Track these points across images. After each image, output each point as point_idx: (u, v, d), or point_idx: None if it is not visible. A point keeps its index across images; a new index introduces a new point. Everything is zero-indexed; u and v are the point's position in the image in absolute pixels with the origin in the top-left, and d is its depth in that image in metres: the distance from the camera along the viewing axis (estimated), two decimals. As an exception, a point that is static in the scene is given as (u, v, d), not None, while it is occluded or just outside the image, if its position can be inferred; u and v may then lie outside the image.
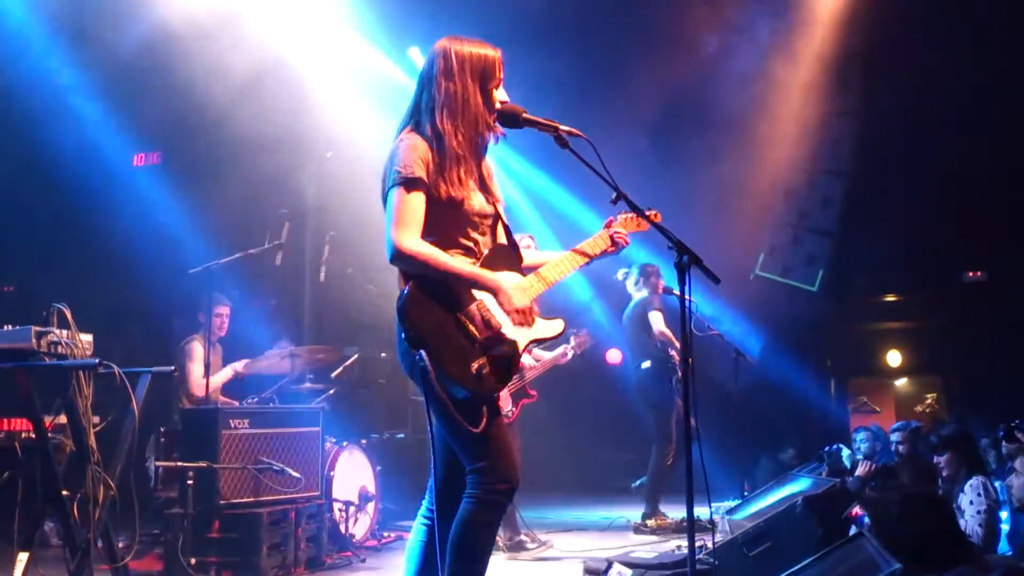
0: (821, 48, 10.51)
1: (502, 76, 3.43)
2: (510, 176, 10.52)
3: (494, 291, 3.29)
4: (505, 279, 3.35)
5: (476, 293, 3.30)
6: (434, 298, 3.23)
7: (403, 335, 3.16)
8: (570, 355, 6.74)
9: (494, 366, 3.25)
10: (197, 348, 7.22)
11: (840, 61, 10.48)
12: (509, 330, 3.32)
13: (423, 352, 3.11)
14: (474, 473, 3.23)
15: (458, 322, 3.24)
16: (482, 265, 3.35)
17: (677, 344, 7.67)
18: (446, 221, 3.31)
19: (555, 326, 3.49)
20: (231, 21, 8.78)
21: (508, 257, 3.46)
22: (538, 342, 3.51)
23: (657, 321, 7.70)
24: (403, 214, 3.21)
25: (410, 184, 3.22)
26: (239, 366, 7.16)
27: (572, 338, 6.72)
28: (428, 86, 3.37)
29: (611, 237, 3.70)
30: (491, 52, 3.40)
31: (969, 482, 5.29)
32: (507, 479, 3.25)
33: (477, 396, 3.20)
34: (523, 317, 3.31)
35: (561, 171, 10.02)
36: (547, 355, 6.69)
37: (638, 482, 7.93)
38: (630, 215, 3.75)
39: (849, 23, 10.26)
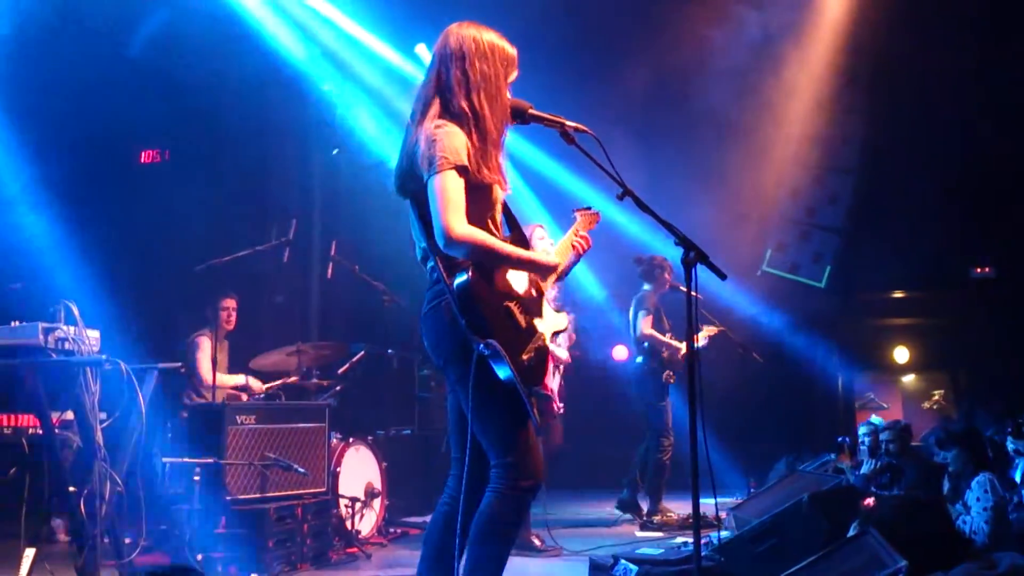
0: (830, 46, 10.48)
1: (517, 74, 3.43)
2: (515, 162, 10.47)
3: (554, 269, 3.40)
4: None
5: (512, 284, 3.33)
6: (490, 286, 3.23)
7: (463, 322, 3.13)
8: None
9: (538, 357, 3.28)
10: (205, 342, 7.24)
11: (849, 58, 10.45)
12: (540, 323, 3.38)
13: (492, 340, 3.10)
14: (501, 467, 3.23)
15: (508, 311, 3.25)
16: None
17: (667, 344, 7.72)
18: (478, 208, 3.27)
19: (563, 319, 3.55)
20: (239, 18, 8.81)
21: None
22: (556, 333, 3.56)
23: (642, 324, 7.70)
24: (454, 200, 3.15)
25: (459, 171, 3.18)
26: (255, 385, 7.17)
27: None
28: (455, 64, 3.30)
29: (572, 246, 3.74)
30: (511, 49, 3.40)
31: (976, 479, 5.28)
32: (534, 475, 3.26)
33: (528, 387, 3.20)
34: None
35: (571, 157, 10.00)
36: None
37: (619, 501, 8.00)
38: (585, 212, 3.87)
39: (858, 20, 10.24)
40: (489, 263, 3.24)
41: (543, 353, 3.33)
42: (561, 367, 6.55)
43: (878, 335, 11.91)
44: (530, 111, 3.38)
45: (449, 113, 3.28)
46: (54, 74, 8.24)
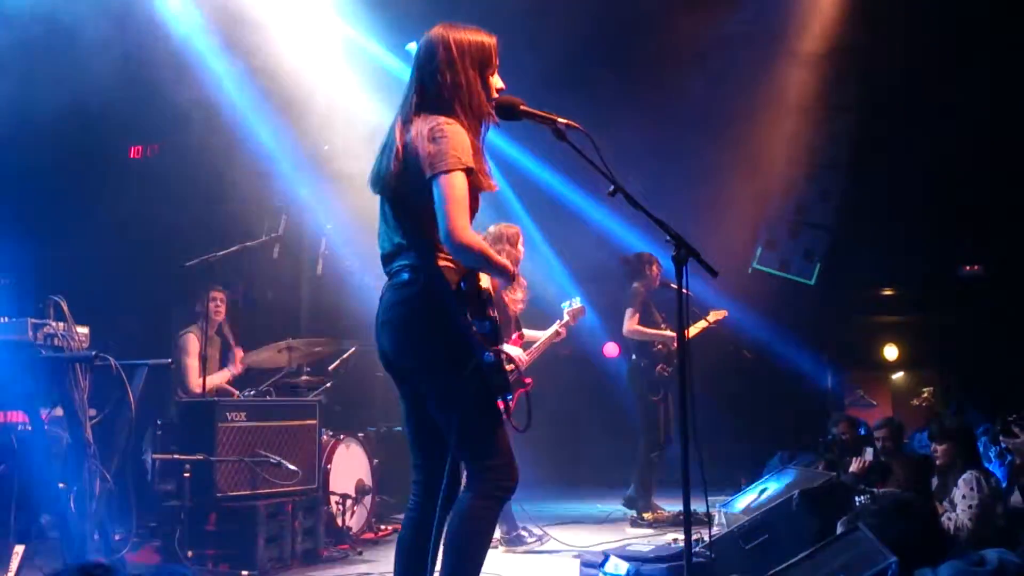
0: (819, 41, 10.49)
1: (498, 63, 3.41)
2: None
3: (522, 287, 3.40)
4: None
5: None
6: (484, 294, 3.29)
7: (469, 327, 3.18)
8: (563, 332, 6.50)
9: (516, 369, 3.37)
10: (192, 341, 7.22)
11: (838, 55, 10.47)
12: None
13: (500, 348, 3.21)
14: (484, 469, 3.23)
15: (495, 323, 3.31)
16: None
17: (657, 335, 7.72)
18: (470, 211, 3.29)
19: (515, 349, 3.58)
20: (230, 14, 8.77)
21: None
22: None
23: (628, 321, 7.71)
24: (463, 203, 3.12)
25: (468, 173, 3.16)
26: (235, 369, 7.16)
27: (565, 312, 6.49)
28: (432, 76, 3.29)
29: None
30: (487, 39, 3.37)
31: (963, 476, 5.30)
32: (513, 476, 3.27)
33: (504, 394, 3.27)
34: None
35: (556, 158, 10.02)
36: (541, 335, 6.46)
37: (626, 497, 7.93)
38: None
39: (847, 16, 10.25)
40: (480, 270, 3.26)
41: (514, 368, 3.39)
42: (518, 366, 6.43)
43: (867, 332, 11.95)
44: (521, 107, 3.37)
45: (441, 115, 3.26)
46: (43, 66, 8.20)
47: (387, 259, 3.37)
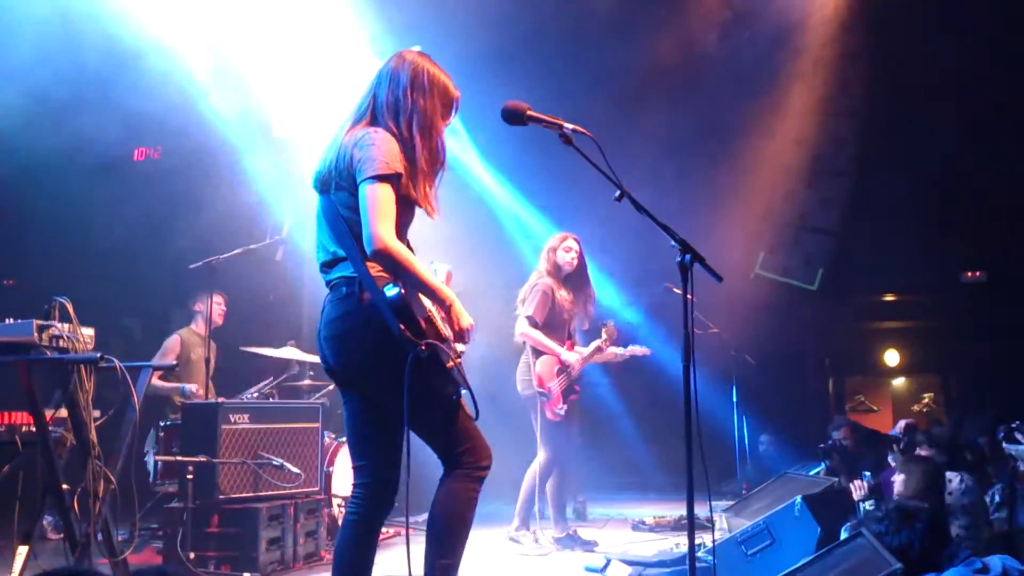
0: (823, 48, 10.51)
1: (454, 117, 3.50)
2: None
3: (450, 307, 3.35)
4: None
5: (425, 301, 3.36)
6: (417, 298, 3.30)
7: (398, 330, 3.15)
8: (606, 349, 6.66)
9: (459, 365, 3.37)
10: (176, 343, 7.27)
11: (842, 61, 10.49)
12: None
13: (432, 342, 3.18)
14: (461, 455, 3.34)
15: (430, 321, 3.32)
16: None
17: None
18: (401, 221, 3.30)
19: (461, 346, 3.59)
20: (233, 22, 8.80)
21: None
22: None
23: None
24: (388, 210, 3.18)
25: (394, 180, 3.22)
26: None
27: (603, 331, 6.68)
28: (393, 90, 3.37)
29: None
30: (454, 91, 3.46)
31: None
32: (488, 457, 3.40)
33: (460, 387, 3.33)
34: (465, 335, 3.42)
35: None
36: (586, 350, 6.63)
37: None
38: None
39: (851, 23, 10.27)
40: (404, 280, 3.23)
41: (461, 365, 3.40)
42: (570, 371, 6.50)
43: (869, 338, 11.97)
44: (528, 112, 3.39)
45: (379, 126, 3.34)
46: (46, 67, 8.20)
47: (324, 268, 3.41)
